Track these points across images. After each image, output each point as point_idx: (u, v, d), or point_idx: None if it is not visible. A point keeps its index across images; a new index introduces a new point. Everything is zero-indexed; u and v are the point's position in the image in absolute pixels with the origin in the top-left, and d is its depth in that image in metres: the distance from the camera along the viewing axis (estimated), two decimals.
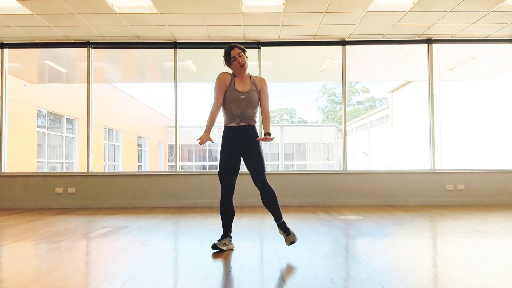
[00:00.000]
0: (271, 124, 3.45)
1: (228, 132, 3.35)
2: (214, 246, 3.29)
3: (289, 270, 2.72)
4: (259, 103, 3.42)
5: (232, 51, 3.33)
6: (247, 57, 3.38)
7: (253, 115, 3.38)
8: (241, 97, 3.28)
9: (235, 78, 3.35)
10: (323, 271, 2.68)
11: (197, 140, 3.26)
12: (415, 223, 4.73)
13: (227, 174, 3.34)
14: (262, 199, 3.37)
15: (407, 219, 5.04)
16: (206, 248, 3.41)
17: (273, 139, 3.32)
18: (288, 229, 3.31)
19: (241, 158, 3.38)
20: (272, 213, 3.37)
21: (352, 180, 6.75)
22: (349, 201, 6.67)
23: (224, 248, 3.30)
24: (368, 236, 3.99)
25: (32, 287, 2.35)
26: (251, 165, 3.32)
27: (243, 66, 3.30)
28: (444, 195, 6.68)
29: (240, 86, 3.33)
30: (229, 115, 3.33)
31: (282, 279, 2.50)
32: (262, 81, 3.45)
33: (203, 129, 3.34)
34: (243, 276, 2.58)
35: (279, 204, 3.36)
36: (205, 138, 3.26)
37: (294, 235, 3.30)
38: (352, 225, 4.63)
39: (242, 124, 3.31)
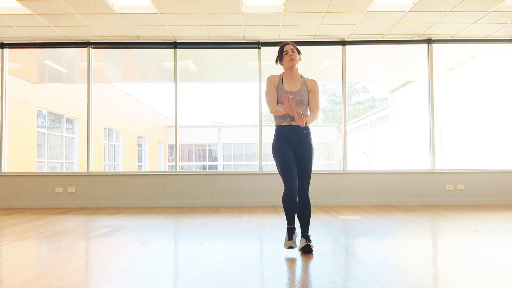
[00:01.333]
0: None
1: (280, 131, 3.28)
2: (290, 248, 3.20)
3: (289, 270, 2.72)
4: (308, 103, 3.36)
5: (286, 46, 3.34)
6: (300, 54, 3.38)
7: (304, 115, 3.28)
8: (290, 96, 3.19)
9: (283, 78, 3.33)
10: (322, 271, 2.68)
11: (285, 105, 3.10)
12: (415, 223, 4.73)
13: (289, 167, 3.20)
14: (299, 207, 3.26)
15: (407, 219, 5.04)
16: (206, 248, 3.42)
17: (306, 126, 3.21)
18: (310, 240, 3.25)
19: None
20: (305, 224, 3.28)
21: (352, 180, 6.75)
22: (349, 201, 6.67)
23: (295, 246, 3.22)
24: (368, 236, 3.99)
25: (32, 287, 2.35)
26: (300, 169, 3.25)
27: (292, 59, 3.28)
28: (444, 195, 6.68)
29: (288, 86, 3.30)
30: (280, 116, 3.27)
31: (282, 279, 2.50)
32: (314, 82, 3.41)
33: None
34: (243, 276, 2.58)
35: (310, 217, 3.29)
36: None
37: (312, 246, 3.22)
38: (352, 225, 4.62)
39: (293, 123, 3.23)
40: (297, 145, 3.26)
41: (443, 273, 2.67)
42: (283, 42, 3.45)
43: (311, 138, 3.33)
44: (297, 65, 3.35)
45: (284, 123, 3.27)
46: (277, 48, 3.47)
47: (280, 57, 3.37)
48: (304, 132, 3.28)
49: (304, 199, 3.25)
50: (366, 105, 40.33)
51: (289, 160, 3.22)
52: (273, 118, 3.38)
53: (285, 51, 3.32)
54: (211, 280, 2.51)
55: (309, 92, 3.36)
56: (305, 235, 3.26)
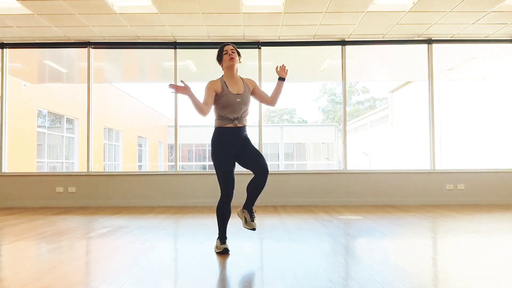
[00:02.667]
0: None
1: (223, 132, 3.23)
2: (226, 250, 3.24)
3: (289, 270, 2.72)
4: (260, 99, 3.41)
5: (226, 46, 3.31)
6: (240, 57, 3.36)
7: (247, 116, 3.35)
8: (238, 100, 3.21)
9: (226, 82, 3.26)
10: (323, 270, 2.69)
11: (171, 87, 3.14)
12: (415, 223, 4.73)
13: (228, 176, 3.24)
14: (252, 185, 3.28)
15: (407, 219, 5.04)
16: (206, 248, 3.42)
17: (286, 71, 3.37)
18: (253, 216, 3.34)
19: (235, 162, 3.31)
20: (251, 200, 3.33)
21: (352, 180, 6.75)
22: (349, 201, 6.67)
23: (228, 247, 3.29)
24: (368, 236, 3.99)
25: (32, 287, 2.36)
26: (254, 159, 3.24)
27: (232, 59, 3.25)
28: (444, 195, 6.68)
29: (234, 89, 3.25)
30: (225, 118, 3.22)
31: (282, 279, 2.50)
32: (251, 81, 3.42)
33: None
34: (243, 276, 2.58)
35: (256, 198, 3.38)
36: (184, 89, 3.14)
37: (255, 223, 3.32)
38: (352, 225, 4.63)
39: (239, 125, 3.25)
40: (240, 146, 3.25)
41: (443, 273, 2.67)
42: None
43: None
44: (236, 66, 3.31)
45: (230, 125, 3.22)
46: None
47: (220, 58, 3.33)
48: (245, 133, 3.30)
49: (264, 179, 3.24)
50: (366, 105, 40.33)
51: (230, 169, 3.24)
52: (215, 119, 3.31)
53: (225, 51, 3.29)
54: (211, 280, 2.51)
55: (252, 89, 3.36)
56: (250, 210, 3.35)
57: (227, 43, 3.35)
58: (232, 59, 3.26)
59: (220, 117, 3.25)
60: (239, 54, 3.36)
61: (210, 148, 3.32)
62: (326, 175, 6.88)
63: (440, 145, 15.84)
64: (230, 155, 3.24)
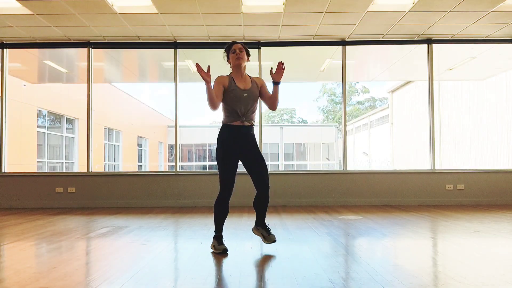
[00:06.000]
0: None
1: (232, 131, 3.25)
2: (225, 251, 3.24)
3: (289, 270, 2.72)
4: (264, 99, 3.41)
5: (234, 45, 3.34)
6: (249, 55, 3.38)
7: (255, 115, 3.38)
8: (244, 95, 3.24)
9: (234, 78, 3.31)
10: (323, 271, 2.69)
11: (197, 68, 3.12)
12: (415, 223, 4.73)
13: (230, 176, 3.26)
14: (257, 201, 3.40)
15: (407, 219, 5.04)
16: (206, 248, 3.42)
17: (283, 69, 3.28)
18: (269, 229, 3.45)
19: (239, 161, 3.34)
20: (261, 216, 3.45)
21: (352, 180, 6.75)
22: (349, 201, 6.67)
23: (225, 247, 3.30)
24: (368, 236, 3.99)
25: (32, 287, 2.36)
26: (257, 170, 3.30)
27: (238, 58, 3.27)
28: (444, 195, 6.68)
29: (241, 84, 3.29)
30: (232, 114, 3.25)
31: (282, 279, 2.50)
32: (260, 79, 3.47)
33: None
34: (243, 276, 2.58)
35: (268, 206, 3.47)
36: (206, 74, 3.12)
37: (274, 235, 3.42)
38: (352, 225, 4.63)
39: (246, 124, 3.28)
40: (245, 146, 3.28)
41: (443, 273, 2.67)
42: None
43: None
44: (244, 64, 3.33)
45: (237, 123, 3.25)
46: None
47: (228, 56, 3.38)
48: (252, 133, 3.33)
49: (267, 195, 3.37)
50: (366, 105, 40.35)
51: (232, 169, 3.26)
52: (223, 115, 3.33)
53: (233, 49, 3.32)
54: (211, 280, 2.51)
55: (260, 88, 3.39)
56: (263, 225, 3.45)
57: (236, 42, 3.37)
58: (239, 58, 3.28)
59: (227, 113, 3.27)
60: (248, 53, 3.37)
61: (216, 144, 3.34)
62: (326, 175, 6.88)
63: (440, 145, 15.84)
64: (235, 153, 3.26)
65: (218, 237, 3.31)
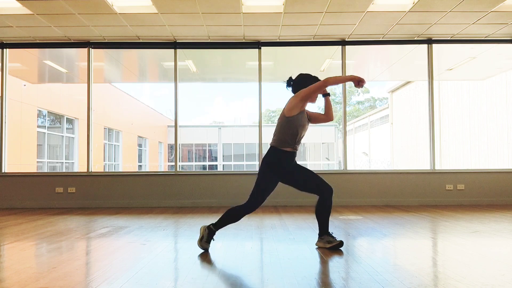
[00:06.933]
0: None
1: (284, 157, 3.25)
2: (206, 250, 3.31)
3: (289, 270, 2.72)
4: (312, 117, 3.45)
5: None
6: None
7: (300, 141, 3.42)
8: (306, 124, 3.31)
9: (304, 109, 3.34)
10: (322, 271, 2.68)
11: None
12: (415, 223, 4.73)
13: (265, 194, 3.27)
14: (321, 208, 3.36)
15: (407, 219, 5.04)
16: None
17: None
18: (331, 235, 3.41)
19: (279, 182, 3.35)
20: (325, 223, 3.40)
21: (352, 180, 6.75)
22: (349, 201, 6.67)
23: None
24: (368, 236, 3.99)
25: (32, 287, 2.36)
26: (312, 176, 3.34)
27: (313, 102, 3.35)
28: (444, 195, 6.68)
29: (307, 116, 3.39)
30: (291, 138, 3.24)
31: (282, 279, 2.50)
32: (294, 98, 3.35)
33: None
34: (243, 276, 2.58)
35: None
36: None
37: (334, 238, 3.38)
38: (352, 225, 4.63)
39: (295, 150, 3.32)
40: (295, 166, 3.35)
41: (443, 273, 2.67)
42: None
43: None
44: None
45: (289, 149, 3.26)
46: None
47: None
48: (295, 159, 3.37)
49: (331, 201, 3.37)
50: (366, 105, 40.34)
51: (270, 190, 3.28)
52: (279, 139, 3.28)
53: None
54: (211, 280, 2.51)
55: (307, 113, 3.39)
56: (329, 232, 3.41)
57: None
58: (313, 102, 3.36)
59: (286, 134, 3.28)
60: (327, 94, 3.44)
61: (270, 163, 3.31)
62: (326, 175, 6.87)
63: (440, 145, 15.84)
64: (276, 179, 3.31)
65: (213, 234, 3.32)
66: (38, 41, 6.82)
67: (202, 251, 3.31)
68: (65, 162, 15.05)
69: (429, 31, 6.48)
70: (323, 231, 3.41)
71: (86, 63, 6.94)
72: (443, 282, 2.43)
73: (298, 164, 3.40)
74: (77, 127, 15.22)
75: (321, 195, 3.34)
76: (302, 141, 3.66)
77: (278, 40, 6.76)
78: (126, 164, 19.67)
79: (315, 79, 3.35)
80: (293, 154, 3.31)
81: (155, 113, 25.31)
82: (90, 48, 6.90)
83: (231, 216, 3.29)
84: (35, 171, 12.28)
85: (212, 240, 3.34)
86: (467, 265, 2.81)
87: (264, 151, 6.87)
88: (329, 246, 3.33)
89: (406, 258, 3.08)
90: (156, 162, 25.16)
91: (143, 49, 7.12)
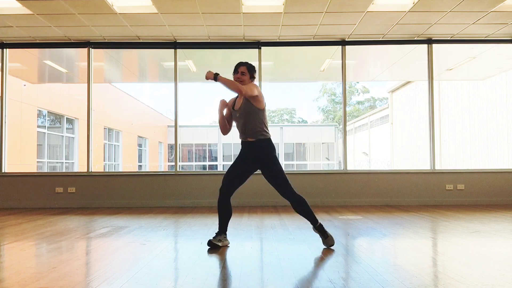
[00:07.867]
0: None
1: (242, 146, 3.52)
2: (209, 243, 3.41)
3: (289, 270, 2.72)
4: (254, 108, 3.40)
5: (240, 67, 3.49)
6: (254, 78, 3.52)
7: (257, 129, 3.38)
8: (237, 115, 3.44)
9: (237, 99, 3.50)
10: (323, 271, 2.69)
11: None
12: (415, 223, 4.73)
13: (227, 175, 3.49)
14: (293, 208, 3.45)
15: (407, 219, 5.04)
16: (206, 248, 3.42)
17: (209, 77, 3.34)
18: (325, 232, 3.42)
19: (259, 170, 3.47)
20: (307, 219, 3.45)
21: (352, 180, 6.75)
22: (349, 201, 6.67)
23: (219, 244, 3.40)
24: (368, 236, 3.99)
25: (32, 287, 2.36)
26: (274, 182, 3.41)
27: (239, 80, 3.41)
28: (444, 195, 6.68)
29: (237, 105, 3.47)
30: (239, 132, 3.50)
31: (282, 279, 2.50)
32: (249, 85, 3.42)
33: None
34: (243, 276, 2.58)
35: (311, 209, 3.41)
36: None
37: (332, 238, 3.41)
38: (352, 225, 4.63)
39: (249, 139, 3.41)
40: (259, 158, 3.43)
41: (443, 273, 2.67)
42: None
43: (269, 145, 3.41)
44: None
45: (242, 139, 3.48)
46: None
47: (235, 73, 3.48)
48: (261, 145, 3.40)
49: (295, 200, 3.41)
50: (366, 105, 40.33)
51: (232, 172, 3.47)
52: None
53: (236, 70, 3.48)
54: (211, 280, 2.51)
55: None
56: (317, 228, 3.42)
57: (242, 63, 3.50)
58: (238, 80, 3.43)
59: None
60: (252, 76, 3.48)
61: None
62: (326, 175, 6.88)
63: (440, 145, 15.84)
64: (240, 161, 3.49)
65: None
66: (38, 41, 6.82)
67: (209, 247, 3.40)
68: (65, 162, 15.04)
69: (429, 31, 6.48)
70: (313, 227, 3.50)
71: (86, 63, 6.94)
72: (443, 282, 2.43)
73: (270, 165, 3.45)
74: (77, 127, 15.22)
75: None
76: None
77: (278, 40, 6.76)
78: (126, 164, 19.67)
79: (236, 67, 3.53)
80: (245, 145, 3.51)
81: (155, 113, 25.30)
82: (90, 48, 6.90)
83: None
84: (35, 171, 12.28)
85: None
86: (467, 265, 2.81)
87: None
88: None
89: (406, 258, 3.08)
90: (156, 162, 25.15)
91: (143, 49, 7.12)
